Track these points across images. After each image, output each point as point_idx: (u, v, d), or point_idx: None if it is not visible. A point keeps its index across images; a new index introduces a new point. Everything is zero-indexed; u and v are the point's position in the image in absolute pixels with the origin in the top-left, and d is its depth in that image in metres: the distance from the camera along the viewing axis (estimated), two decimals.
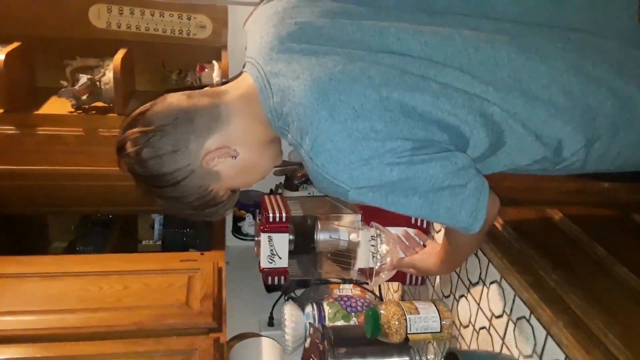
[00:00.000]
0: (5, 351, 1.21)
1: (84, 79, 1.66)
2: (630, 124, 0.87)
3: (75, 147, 1.69)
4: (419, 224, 1.29)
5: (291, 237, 1.33)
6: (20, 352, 1.21)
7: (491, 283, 1.04)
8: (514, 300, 0.96)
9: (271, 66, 0.84)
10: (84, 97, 1.67)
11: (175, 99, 0.87)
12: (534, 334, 0.89)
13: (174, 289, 1.41)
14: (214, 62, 1.79)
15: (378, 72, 0.79)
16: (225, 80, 1.73)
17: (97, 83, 1.68)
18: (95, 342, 1.25)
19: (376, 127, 0.76)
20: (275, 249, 1.31)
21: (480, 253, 1.07)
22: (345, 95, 0.77)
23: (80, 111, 1.71)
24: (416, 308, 1.18)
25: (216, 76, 1.73)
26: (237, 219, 1.99)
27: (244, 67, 0.92)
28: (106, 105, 1.72)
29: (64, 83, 1.74)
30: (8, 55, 1.62)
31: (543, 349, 0.86)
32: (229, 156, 0.87)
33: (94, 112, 1.72)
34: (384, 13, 0.87)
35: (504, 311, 0.99)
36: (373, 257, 1.31)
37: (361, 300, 1.54)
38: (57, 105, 1.74)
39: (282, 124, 0.83)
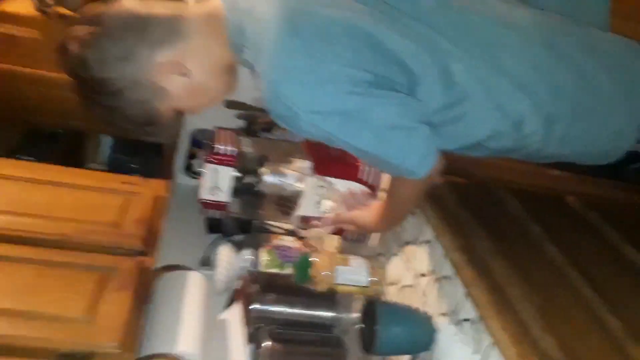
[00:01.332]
0: None
1: None
2: (593, 109, 0.87)
3: (29, 50, 1.60)
4: (366, 178, 1.27)
5: (236, 172, 1.29)
6: None
7: (423, 243, 1.03)
8: (441, 261, 0.95)
9: None
10: (50, 1, 1.58)
11: (132, 3, 0.82)
12: (454, 292, 0.88)
13: (108, 208, 1.35)
14: None
15: (348, 2, 0.77)
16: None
17: None
18: (15, 245, 1.19)
19: (338, 51, 0.73)
20: (219, 182, 1.27)
21: (419, 212, 1.06)
22: (311, 16, 0.74)
23: (42, 15, 1.62)
24: (348, 261, 1.17)
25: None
26: (190, 156, 1.94)
27: None
28: (71, 13, 1.63)
29: None
30: None
31: (459, 308, 0.86)
32: (179, 73, 0.82)
33: (56, 18, 1.62)
34: None
35: (429, 269, 0.98)
36: (316, 206, 1.29)
37: (298, 252, 1.52)
38: (19, 4, 1.64)
39: (243, 40, 0.79)
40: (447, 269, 0.92)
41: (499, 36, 0.83)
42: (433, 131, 0.80)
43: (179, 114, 0.91)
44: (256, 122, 1.81)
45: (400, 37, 0.78)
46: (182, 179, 1.98)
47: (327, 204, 1.22)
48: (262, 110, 1.77)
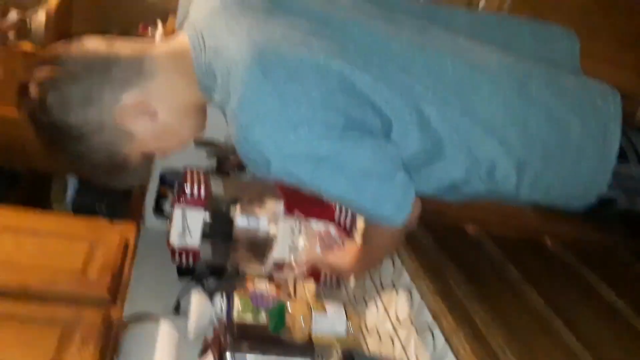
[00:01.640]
0: None
1: (13, 14, 1.53)
2: (564, 154, 0.87)
3: None
4: (342, 219, 1.25)
5: (207, 216, 1.26)
6: None
7: (401, 288, 1.01)
8: (420, 306, 0.93)
9: (209, 25, 0.78)
10: (11, 35, 1.54)
11: (94, 44, 0.79)
12: (434, 342, 0.86)
13: (72, 254, 1.30)
14: (159, 21, 1.69)
15: (319, 41, 0.76)
16: None
17: (28, 23, 1.55)
18: None
19: (310, 94, 0.71)
20: (188, 226, 1.23)
21: (395, 256, 1.04)
22: (281, 57, 0.72)
23: (4, 50, 1.57)
24: (325, 308, 1.13)
25: (158, 39, 1.64)
26: (160, 198, 1.88)
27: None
28: (34, 48, 1.59)
29: None
30: None
31: (440, 358, 0.83)
32: (146, 115, 0.78)
33: (19, 53, 1.58)
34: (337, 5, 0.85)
35: (408, 316, 0.96)
36: (290, 249, 1.26)
37: (274, 297, 1.48)
38: None
39: (211, 82, 0.76)
40: (427, 316, 0.90)
41: (470, 80, 0.83)
42: (410, 176, 0.79)
43: (148, 158, 0.87)
44: (227, 161, 1.78)
45: (373, 80, 0.76)
46: (151, 220, 1.92)
47: (302, 244, 1.19)
48: (233, 149, 1.75)
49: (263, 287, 1.56)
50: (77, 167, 0.84)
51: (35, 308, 1.14)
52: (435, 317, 0.87)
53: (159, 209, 1.91)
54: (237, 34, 0.74)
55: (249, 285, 1.56)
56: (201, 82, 0.78)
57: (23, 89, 0.77)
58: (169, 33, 1.61)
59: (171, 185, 1.87)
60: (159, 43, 0.83)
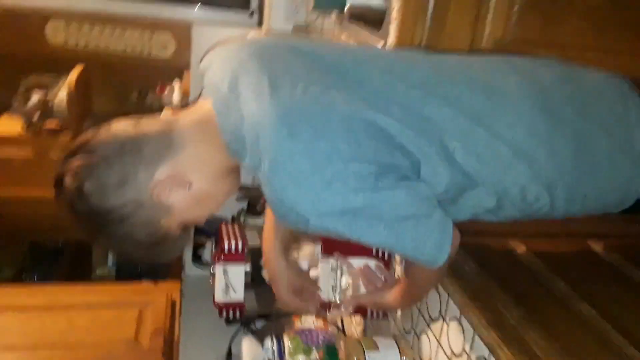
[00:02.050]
0: None
1: (35, 97, 1.59)
2: (595, 166, 0.86)
3: (23, 171, 1.61)
4: (380, 255, 1.24)
5: (247, 268, 1.27)
6: None
7: (451, 319, 0.99)
8: (473, 338, 0.91)
9: (230, 90, 0.79)
10: (36, 116, 1.60)
11: (121, 127, 0.81)
12: None
13: (123, 323, 1.33)
14: (175, 82, 1.73)
15: (339, 93, 0.76)
16: (186, 102, 1.68)
17: (50, 102, 1.60)
18: None
19: (339, 147, 0.71)
20: (231, 282, 1.24)
21: (440, 287, 1.02)
22: (306, 115, 0.72)
23: (32, 132, 1.64)
24: (376, 344, 1.12)
25: (177, 97, 1.68)
26: (197, 247, 1.92)
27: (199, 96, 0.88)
28: (59, 125, 1.65)
29: (17, 101, 1.67)
30: None
31: None
32: (181, 186, 0.79)
33: (45, 133, 1.64)
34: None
35: (463, 349, 0.94)
36: (333, 289, 1.25)
37: (323, 333, 1.48)
38: (8, 125, 1.66)
39: (240, 146, 0.77)
40: (482, 348, 0.88)
41: (491, 108, 0.83)
42: (445, 213, 0.78)
43: (186, 228, 0.88)
44: (258, 202, 1.80)
45: (396, 122, 0.76)
46: (191, 269, 1.95)
47: (345, 284, 1.19)
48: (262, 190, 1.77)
49: (310, 323, 1.57)
50: (120, 248, 0.85)
51: None
52: (491, 349, 0.85)
53: (197, 258, 1.95)
54: (261, 96, 0.75)
55: (297, 324, 1.56)
56: (230, 147, 0.79)
57: (58, 182, 0.79)
58: (186, 89, 1.65)
59: (206, 234, 1.90)
60: (183, 114, 0.84)
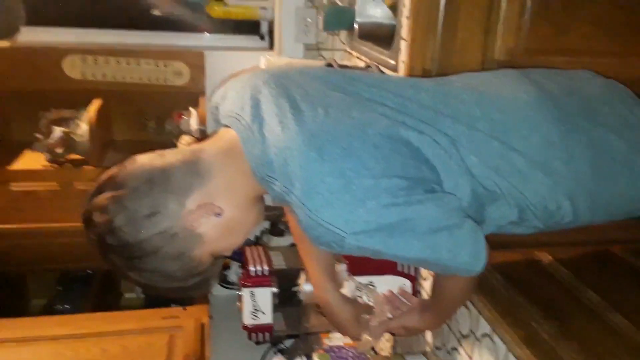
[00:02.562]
0: None
1: (58, 131, 1.63)
2: (614, 172, 0.86)
3: (50, 202, 1.65)
4: (405, 271, 1.24)
5: (274, 290, 1.28)
6: None
7: (482, 336, 0.99)
8: (506, 356, 0.91)
9: (253, 117, 0.80)
10: (59, 150, 1.64)
11: (147, 159, 0.80)
12: None
13: (155, 349, 1.35)
14: (192, 109, 1.76)
15: (360, 111, 0.78)
16: (204, 128, 1.70)
17: (72, 135, 1.64)
18: None
19: (368, 165, 0.72)
20: (258, 304, 1.25)
21: (469, 303, 1.03)
22: (331, 136, 0.73)
23: (55, 165, 1.68)
24: None
25: (194, 124, 1.71)
26: (223, 268, 1.94)
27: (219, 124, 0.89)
28: (82, 157, 1.69)
29: (39, 136, 1.71)
30: None
31: None
32: (212, 214, 0.78)
33: (69, 165, 1.68)
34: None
35: None
36: None
37: (352, 350, 1.48)
38: (32, 160, 1.70)
39: (269, 171, 0.76)
40: None
41: (504, 121, 0.84)
42: (473, 221, 0.79)
43: (217, 259, 0.87)
44: (280, 221, 1.81)
45: (418, 134, 0.78)
46: (217, 290, 1.97)
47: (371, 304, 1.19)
48: (283, 209, 1.78)
49: (339, 341, 1.57)
50: (151, 282, 0.83)
51: None
52: None
53: (223, 280, 1.97)
54: (284, 121, 0.76)
55: (325, 342, 1.57)
56: (257, 173, 0.79)
57: (87, 220, 0.78)
58: (202, 116, 1.68)
59: (232, 256, 1.92)
60: (207, 144, 0.84)
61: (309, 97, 0.81)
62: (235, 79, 0.91)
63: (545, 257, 1.13)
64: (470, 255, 0.77)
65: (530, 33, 1.22)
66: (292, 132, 0.74)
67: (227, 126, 0.85)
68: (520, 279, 1.05)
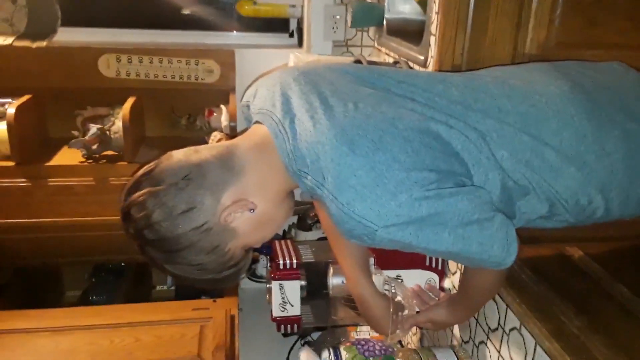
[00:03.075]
0: None
1: (94, 129, 1.68)
2: None
3: (86, 196, 1.70)
4: (433, 265, 1.25)
5: (303, 283, 1.30)
6: None
7: (511, 330, 0.99)
8: (535, 349, 0.91)
9: (284, 112, 0.82)
10: (95, 147, 1.69)
11: (182, 155, 0.82)
12: None
13: (186, 339, 1.38)
14: (222, 106, 1.80)
15: (389, 105, 0.79)
16: (234, 124, 1.73)
17: (107, 132, 1.69)
18: None
19: (399, 158, 0.73)
20: (287, 297, 1.27)
21: (497, 297, 1.02)
22: (362, 130, 0.75)
23: (91, 160, 1.73)
24: (434, 356, 1.13)
25: (224, 120, 1.74)
26: (251, 262, 1.97)
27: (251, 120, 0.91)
28: (116, 153, 1.74)
29: (75, 133, 1.77)
30: (18, 109, 1.65)
31: None
32: (246, 209, 0.81)
33: (104, 161, 1.73)
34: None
35: None
36: None
37: (379, 343, 1.49)
38: (68, 156, 1.76)
39: (301, 165, 0.78)
40: (545, 359, 0.88)
41: (535, 115, 0.83)
42: (504, 215, 0.79)
43: (248, 252, 0.90)
44: (308, 216, 1.83)
45: (448, 129, 0.79)
46: (245, 283, 2.01)
47: (399, 298, 1.20)
48: (311, 203, 1.80)
49: (366, 334, 1.58)
50: (188, 275, 0.85)
51: None
52: None
53: (252, 273, 2.00)
54: (315, 117, 0.78)
55: (352, 335, 1.58)
56: (289, 168, 0.80)
57: (125, 215, 0.80)
58: (232, 112, 1.71)
59: (260, 250, 1.95)
60: (240, 140, 0.86)
61: (338, 92, 0.82)
62: (266, 77, 0.93)
63: (575, 251, 1.12)
64: (501, 249, 0.78)
65: (561, 26, 1.21)
66: (324, 127, 0.76)
67: (258, 122, 0.87)
68: (550, 273, 1.04)
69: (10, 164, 1.67)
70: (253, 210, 0.81)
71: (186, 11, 2.05)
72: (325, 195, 0.75)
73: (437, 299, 1.14)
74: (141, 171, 0.82)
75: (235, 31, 2.07)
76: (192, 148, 0.84)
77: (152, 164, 0.82)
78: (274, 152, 0.81)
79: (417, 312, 1.11)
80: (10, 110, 1.62)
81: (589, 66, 0.96)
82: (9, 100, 1.71)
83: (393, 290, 1.16)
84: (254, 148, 0.83)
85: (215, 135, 1.71)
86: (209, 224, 0.79)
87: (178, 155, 0.82)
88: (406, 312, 1.09)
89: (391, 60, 1.58)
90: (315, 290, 1.35)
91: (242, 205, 0.80)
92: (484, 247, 0.77)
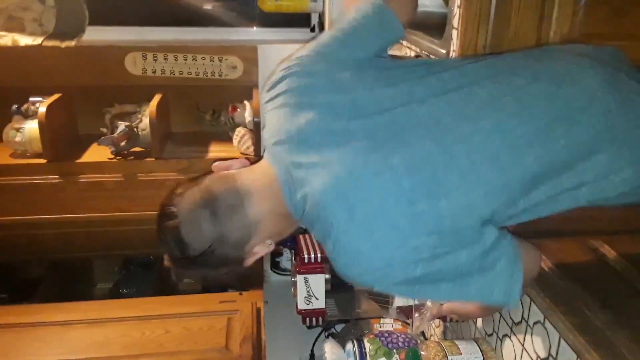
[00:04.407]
0: None
1: (122, 126, 1.72)
2: None
3: (115, 192, 1.75)
4: None
5: (327, 276, 1.32)
6: None
7: (535, 323, 0.99)
8: (559, 343, 0.91)
9: (292, 157, 0.82)
10: (123, 144, 1.73)
11: (202, 220, 0.80)
12: None
13: (214, 331, 1.42)
14: (246, 102, 1.82)
15: (402, 159, 0.78)
16: (258, 119, 1.75)
17: (135, 129, 1.73)
18: None
19: (398, 225, 0.75)
20: (312, 290, 1.30)
21: None
22: (365, 193, 0.76)
23: (119, 157, 1.77)
24: (458, 348, 1.14)
25: (248, 116, 1.76)
26: (275, 254, 2.00)
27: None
28: (144, 149, 1.78)
29: (104, 130, 1.81)
30: (49, 107, 1.70)
31: None
32: (267, 249, 0.87)
33: (132, 157, 1.78)
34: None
35: (549, 354, 0.94)
36: None
37: (402, 335, 1.50)
38: (97, 152, 1.81)
39: (306, 220, 0.81)
40: (569, 353, 0.88)
41: (560, 95, 0.84)
42: (511, 253, 0.80)
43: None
44: None
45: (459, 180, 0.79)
46: (270, 275, 2.04)
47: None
48: None
49: (389, 326, 1.60)
50: (214, 275, 0.89)
51: None
52: (578, 354, 0.85)
53: (276, 266, 2.03)
54: (320, 173, 0.78)
55: (376, 327, 1.60)
56: (295, 216, 0.83)
57: (160, 239, 0.85)
58: (256, 108, 1.73)
59: (283, 243, 1.98)
60: (252, 186, 0.84)
61: (353, 132, 0.81)
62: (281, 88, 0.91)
63: (601, 245, 1.11)
64: (502, 295, 0.80)
65: (586, 17, 1.20)
66: (326, 187, 0.77)
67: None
68: (575, 267, 1.04)
69: (42, 161, 1.72)
70: (271, 245, 0.87)
71: (208, 7, 2.07)
72: (327, 253, 0.80)
73: None
74: (168, 204, 0.82)
75: (255, 27, 2.08)
76: (208, 196, 0.82)
77: (174, 223, 0.81)
78: (282, 199, 0.81)
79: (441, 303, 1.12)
80: (42, 109, 1.67)
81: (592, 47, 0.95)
82: (40, 99, 1.77)
83: None
84: (265, 197, 0.83)
85: (240, 131, 1.74)
86: (231, 257, 0.84)
87: (200, 219, 0.80)
88: (429, 302, 1.10)
89: (413, 54, 1.58)
90: (340, 283, 1.37)
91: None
92: (483, 292, 0.79)
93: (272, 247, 0.86)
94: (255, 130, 1.74)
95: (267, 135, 0.89)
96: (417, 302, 1.21)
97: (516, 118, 0.82)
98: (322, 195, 0.77)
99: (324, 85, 0.85)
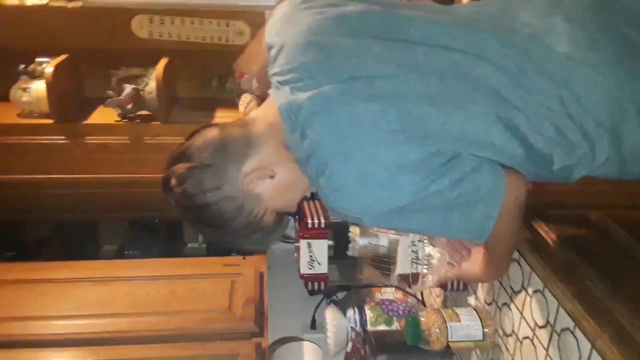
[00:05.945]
0: (58, 354, 1.27)
1: (128, 88, 1.72)
2: None
3: (121, 154, 1.76)
4: None
5: (330, 242, 1.34)
6: (72, 355, 1.27)
7: (534, 292, 1.01)
8: (557, 311, 0.93)
9: (294, 94, 0.84)
10: (129, 106, 1.73)
11: (210, 134, 0.91)
12: (578, 346, 0.86)
13: (218, 293, 1.45)
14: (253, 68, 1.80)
15: (397, 111, 0.79)
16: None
17: (141, 92, 1.73)
18: (143, 345, 1.30)
19: (385, 164, 0.78)
20: (315, 255, 1.32)
21: (522, 261, 1.04)
22: (361, 139, 0.78)
23: (126, 120, 1.78)
24: (457, 315, 1.16)
25: (255, 82, 1.75)
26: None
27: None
28: (150, 113, 1.78)
29: (110, 93, 1.81)
30: (57, 67, 1.70)
31: None
32: (267, 177, 0.89)
33: (138, 120, 1.78)
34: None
35: (547, 321, 0.96)
36: (413, 262, 1.30)
37: (403, 304, 1.53)
38: (104, 115, 1.81)
39: (303, 157, 0.84)
40: (567, 321, 0.90)
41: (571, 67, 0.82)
42: (493, 178, 0.80)
43: (280, 218, 0.97)
44: None
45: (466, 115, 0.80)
46: (274, 243, 2.06)
47: (428, 254, 1.23)
48: None
49: (390, 295, 1.63)
50: (223, 239, 0.96)
51: (196, 348, 1.30)
52: (576, 321, 0.87)
53: None
54: (320, 113, 0.80)
55: (377, 295, 1.63)
56: (293, 155, 0.86)
57: (166, 184, 0.90)
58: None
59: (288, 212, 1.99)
60: (259, 113, 0.93)
61: (357, 65, 0.82)
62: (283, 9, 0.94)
63: (602, 218, 1.12)
64: (483, 217, 0.81)
65: None
66: (325, 127, 0.80)
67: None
68: (575, 239, 1.05)
69: (49, 121, 1.73)
70: (272, 177, 0.89)
71: None
72: (319, 189, 0.83)
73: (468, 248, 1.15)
74: (178, 148, 0.92)
75: None
76: (220, 125, 0.93)
77: (187, 142, 0.92)
78: (284, 133, 0.85)
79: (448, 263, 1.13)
80: (49, 69, 1.67)
81: None
82: (47, 59, 1.76)
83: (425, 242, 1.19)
84: (268, 127, 0.89)
85: (246, 96, 1.73)
86: (233, 192, 0.88)
87: (208, 133, 0.91)
88: (434, 261, 1.12)
89: None
90: (342, 250, 1.39)
91: (262, 174, 0.89)
92: (454, 231, 0.85)
93: (266, 177, 0.89)
94: (262, 97, 1.73)
95: (274, 63, 0.91)
96: (420, 268, 1.23)
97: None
98: (321, 134, 0.80)
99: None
